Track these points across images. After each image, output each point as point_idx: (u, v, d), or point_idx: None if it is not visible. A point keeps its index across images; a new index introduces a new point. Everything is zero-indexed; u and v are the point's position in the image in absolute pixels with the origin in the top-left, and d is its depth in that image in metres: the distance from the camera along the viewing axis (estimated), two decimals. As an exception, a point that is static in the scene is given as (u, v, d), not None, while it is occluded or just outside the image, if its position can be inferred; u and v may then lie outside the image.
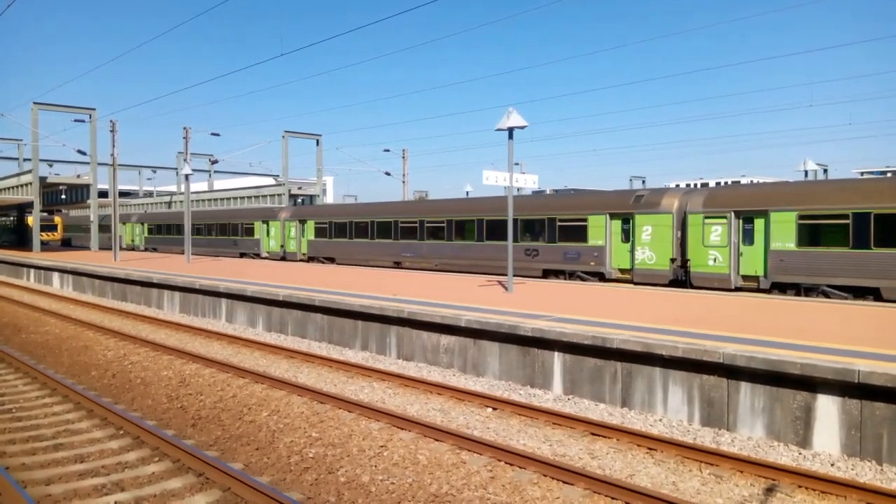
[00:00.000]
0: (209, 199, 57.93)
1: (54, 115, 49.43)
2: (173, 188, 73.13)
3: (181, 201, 58.15)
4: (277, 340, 16.64)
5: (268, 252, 39.05)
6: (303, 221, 36.34)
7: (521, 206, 25.09)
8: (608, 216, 22.62)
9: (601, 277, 22.72)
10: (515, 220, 22.81)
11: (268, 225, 39.00)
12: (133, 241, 55.14)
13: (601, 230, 22.71)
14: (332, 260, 34.28)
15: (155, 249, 50.87)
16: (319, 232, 35.16)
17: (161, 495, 6.99)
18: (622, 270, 22.41)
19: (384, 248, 31.24)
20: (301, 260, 36.20)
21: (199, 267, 29.44)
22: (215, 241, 43.97)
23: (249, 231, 40.61)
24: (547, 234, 24.44)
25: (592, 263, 22.87)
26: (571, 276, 23.52)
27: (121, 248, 51.71)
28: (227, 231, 42.88)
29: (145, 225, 54.08)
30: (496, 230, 26.06)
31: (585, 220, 23.23)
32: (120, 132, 35.80)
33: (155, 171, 78.30)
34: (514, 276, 18.79)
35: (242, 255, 40.43)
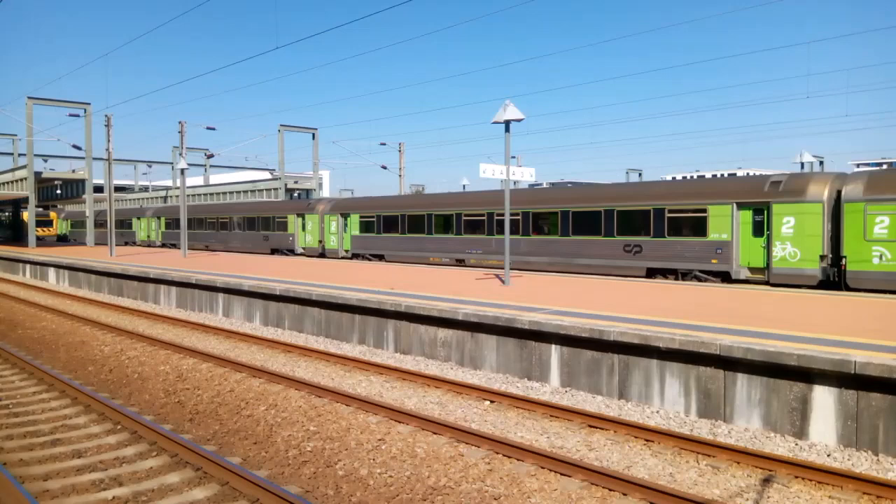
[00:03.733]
0: (204, 194, 57.77)
1: (49, 109, 49.28)
2: (169, 183, 72.99)
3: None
4: (274, 335, 16.64)
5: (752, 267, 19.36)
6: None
7: None
8: None
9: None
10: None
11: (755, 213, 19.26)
12: (326, 242, 35.29)
13: None
14: None
15: (377, 257, 32.25)
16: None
17: (159, 490, 7.00)
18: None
19: None
20: (805, 285, 17.89)
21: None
22: (557, 243, 24.08)
23: (632, 223, 21.87)
24: None
25: None
26: None
27: (298, 252, 36.61)
28: (565, 225, 23.78)
29: (352, 217, 33.52)
30: None
31: None
32: (115, 127, 35.67)
33: (150, 166, 78.06)
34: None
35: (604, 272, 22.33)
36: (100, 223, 53.47)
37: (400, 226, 30.77)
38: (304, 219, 36.56)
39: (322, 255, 35.30)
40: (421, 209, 29.78)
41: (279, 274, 21.94)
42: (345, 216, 34.28)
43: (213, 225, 44.43)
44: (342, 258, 33.83)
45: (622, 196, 22.53)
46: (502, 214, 25.14)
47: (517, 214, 25.23)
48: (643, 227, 21.57)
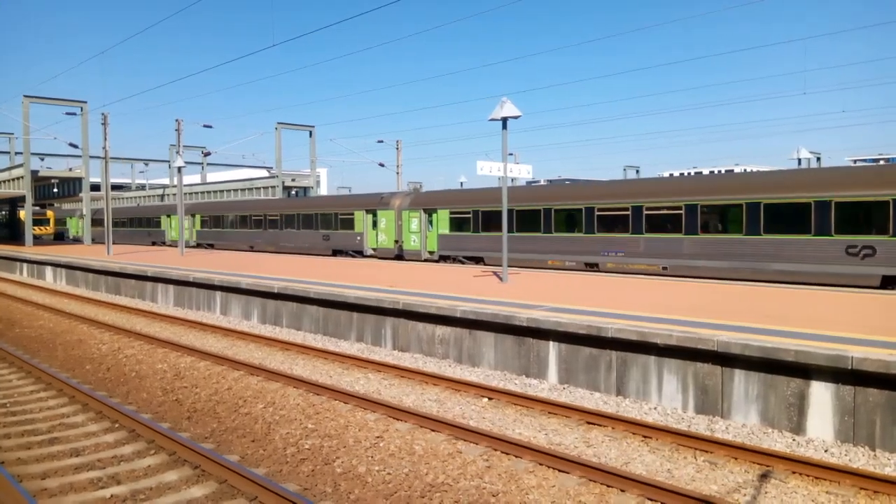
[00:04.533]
0: (200, 192, 57.65)
1: (45, 108, 49.19)
2: (165, 181, 72.87)
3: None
4: (272, 333, 16.62)
5: None
6: None
7: None
8: None
9: None
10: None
11: None
12: (405, 242, 30.83)
13: None
14: None
15: (474, 259, 27.91)
16: None
17: (157, 488, 6.99)
18: None
19: None
20: None
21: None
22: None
23: None
24: None
25: None
26: None
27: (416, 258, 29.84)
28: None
29: (439, 214, 29.29)
30: None
31: None
32: (112, 125, 35.62)
33: (147, 164, 77.96)
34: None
35: None
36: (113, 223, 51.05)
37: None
38: (375, 216, 31.95)
39: (399, 256, 30.84)
40: (536, 202, 25.16)
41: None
42: (429, 212, 29.74)
43: (260, 223, 39.36)
44: (426, 260, 29.35)
45: (844, 183, 17.87)
46: (655, 208, 21.77)
47: (678, 208, 21.12)
48: (878, 223, 16.86)
